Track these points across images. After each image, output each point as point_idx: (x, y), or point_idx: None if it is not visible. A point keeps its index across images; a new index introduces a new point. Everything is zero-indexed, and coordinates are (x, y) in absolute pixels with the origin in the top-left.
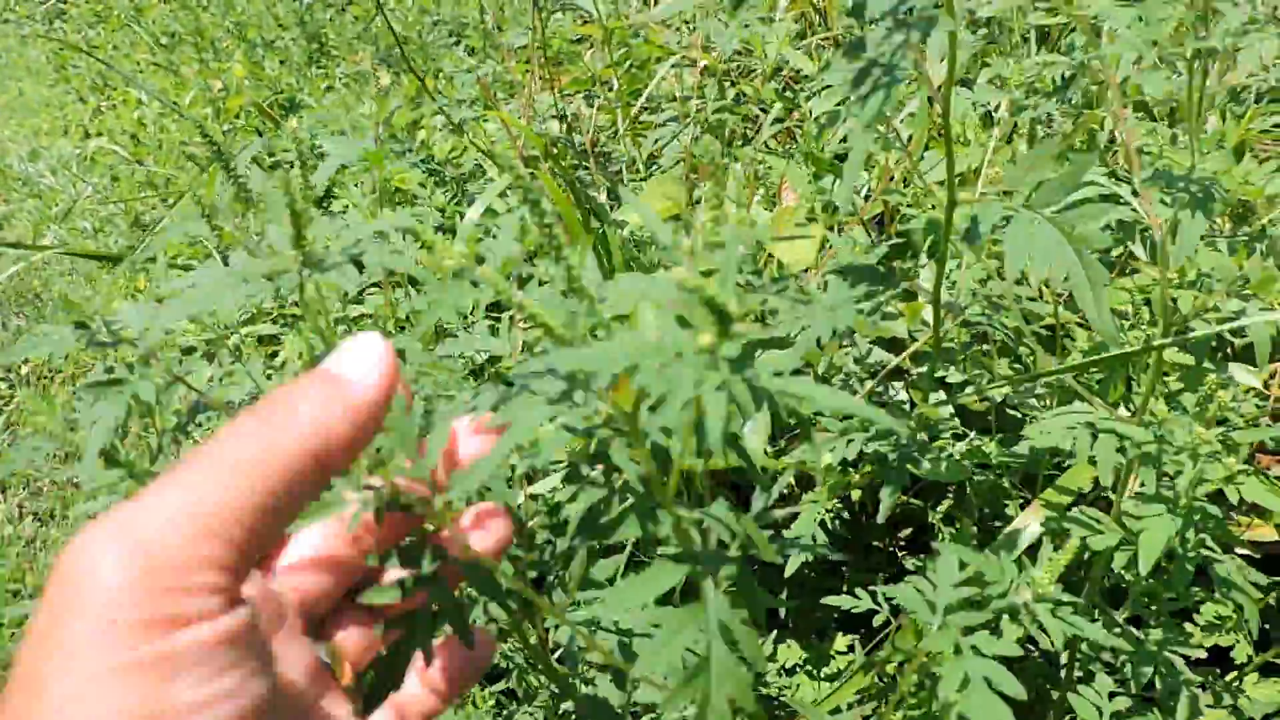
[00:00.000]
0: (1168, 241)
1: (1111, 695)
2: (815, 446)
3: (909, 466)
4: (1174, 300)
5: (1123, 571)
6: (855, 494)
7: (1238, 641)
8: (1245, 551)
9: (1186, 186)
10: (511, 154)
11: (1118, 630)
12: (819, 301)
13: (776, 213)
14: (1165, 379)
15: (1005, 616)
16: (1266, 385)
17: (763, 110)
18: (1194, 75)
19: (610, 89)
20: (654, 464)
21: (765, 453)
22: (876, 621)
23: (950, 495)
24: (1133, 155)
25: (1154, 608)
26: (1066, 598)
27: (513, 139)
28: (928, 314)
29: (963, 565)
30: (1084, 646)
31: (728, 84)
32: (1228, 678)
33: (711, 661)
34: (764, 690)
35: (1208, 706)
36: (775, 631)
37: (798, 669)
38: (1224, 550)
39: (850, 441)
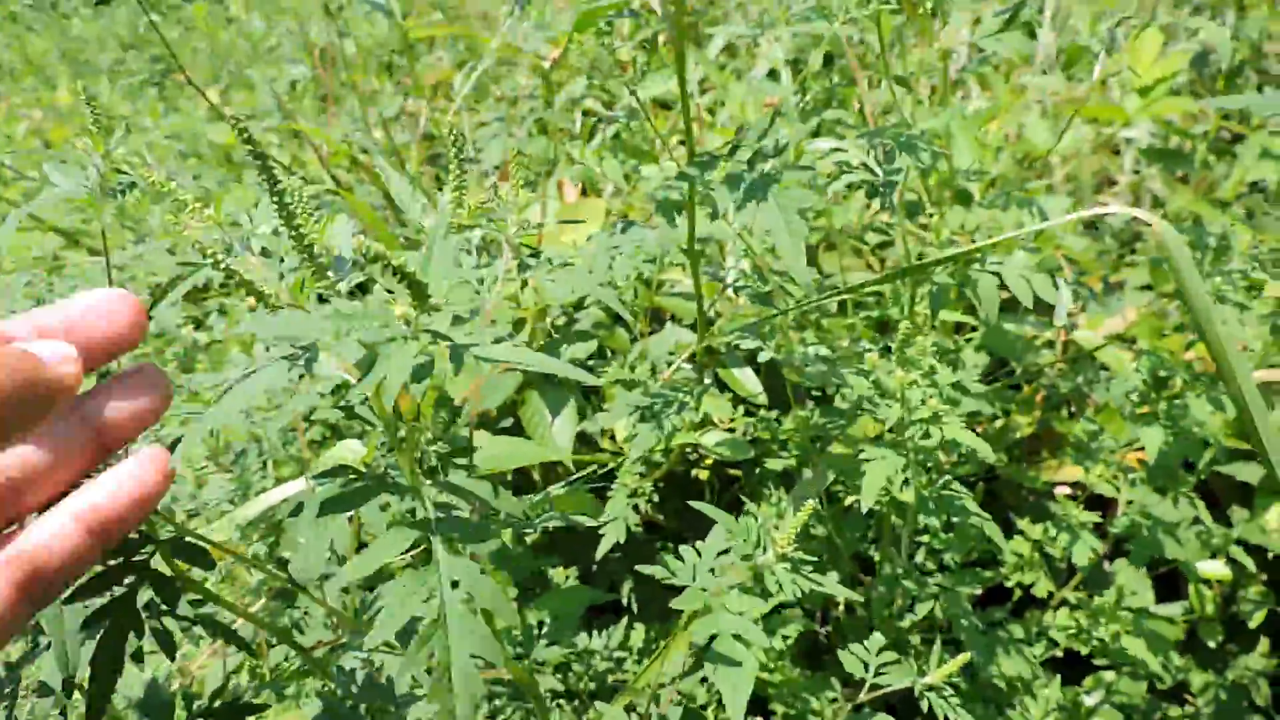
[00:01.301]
0: (900, 193)
1: (882, 649)
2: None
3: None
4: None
5: (930, 523)
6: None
7: (1038, 579)
8: (1068, 491)
9: (900, 138)
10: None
11: (897, 573)
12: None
13: (562, 206)
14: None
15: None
16: (1057, 344)
17: (606, 107)
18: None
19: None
20: (393, 427)
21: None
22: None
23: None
24: (870, 117)
25: (953, 556)
26: (806, 556)
27: (317, 150)
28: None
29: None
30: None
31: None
32: (1041, 614)
33: (449, 621)
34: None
35: (1020, 640)
36: (625, 618)
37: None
38: (1037, 494)
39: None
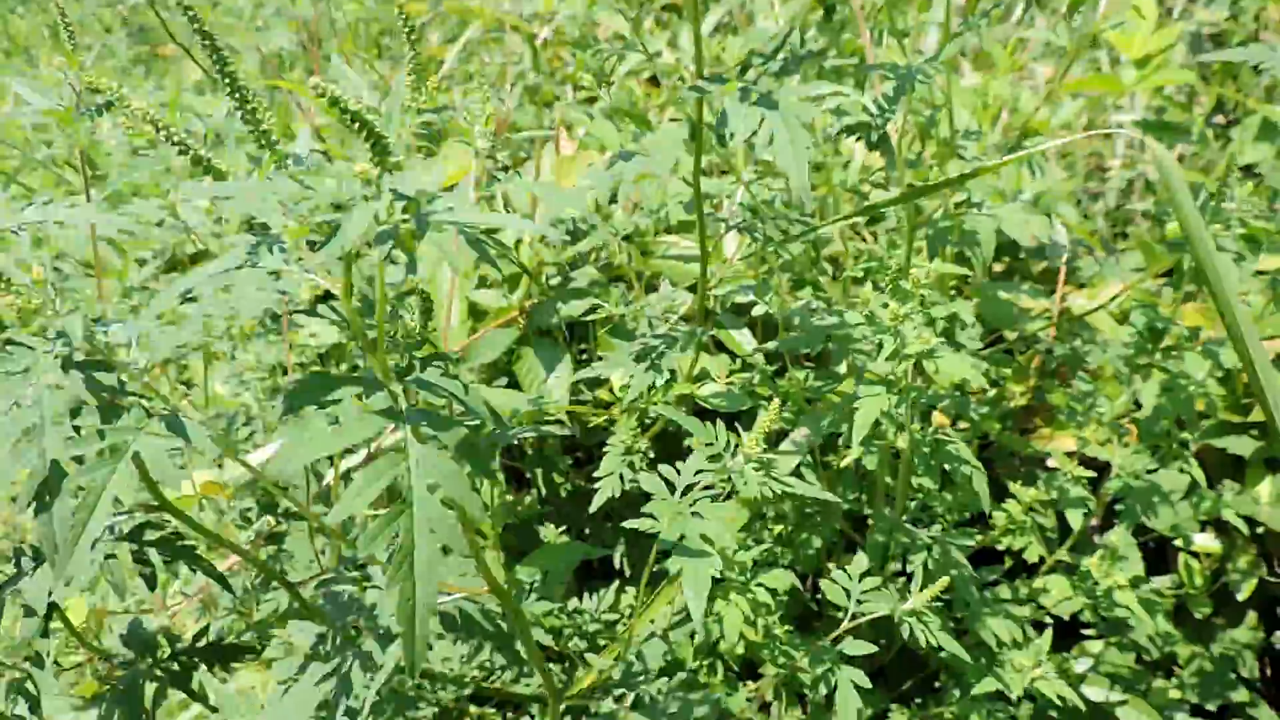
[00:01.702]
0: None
1: (864, 575)
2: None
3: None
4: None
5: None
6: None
7: (1030, 543)
8: (1071, 449)
9: (896, 71)
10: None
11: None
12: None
13: (557, 159)
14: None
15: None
16: (1054, 308)
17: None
18: None
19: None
20: (359, 318)
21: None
22: None
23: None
24: (869, 58)
25: (946, 515)
26: (774, 458)
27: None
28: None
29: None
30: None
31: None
32: (1031, 581)
33: (414, 504)
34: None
35: (1008, 600)
36: (616, 581)
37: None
38: (1029, 462)
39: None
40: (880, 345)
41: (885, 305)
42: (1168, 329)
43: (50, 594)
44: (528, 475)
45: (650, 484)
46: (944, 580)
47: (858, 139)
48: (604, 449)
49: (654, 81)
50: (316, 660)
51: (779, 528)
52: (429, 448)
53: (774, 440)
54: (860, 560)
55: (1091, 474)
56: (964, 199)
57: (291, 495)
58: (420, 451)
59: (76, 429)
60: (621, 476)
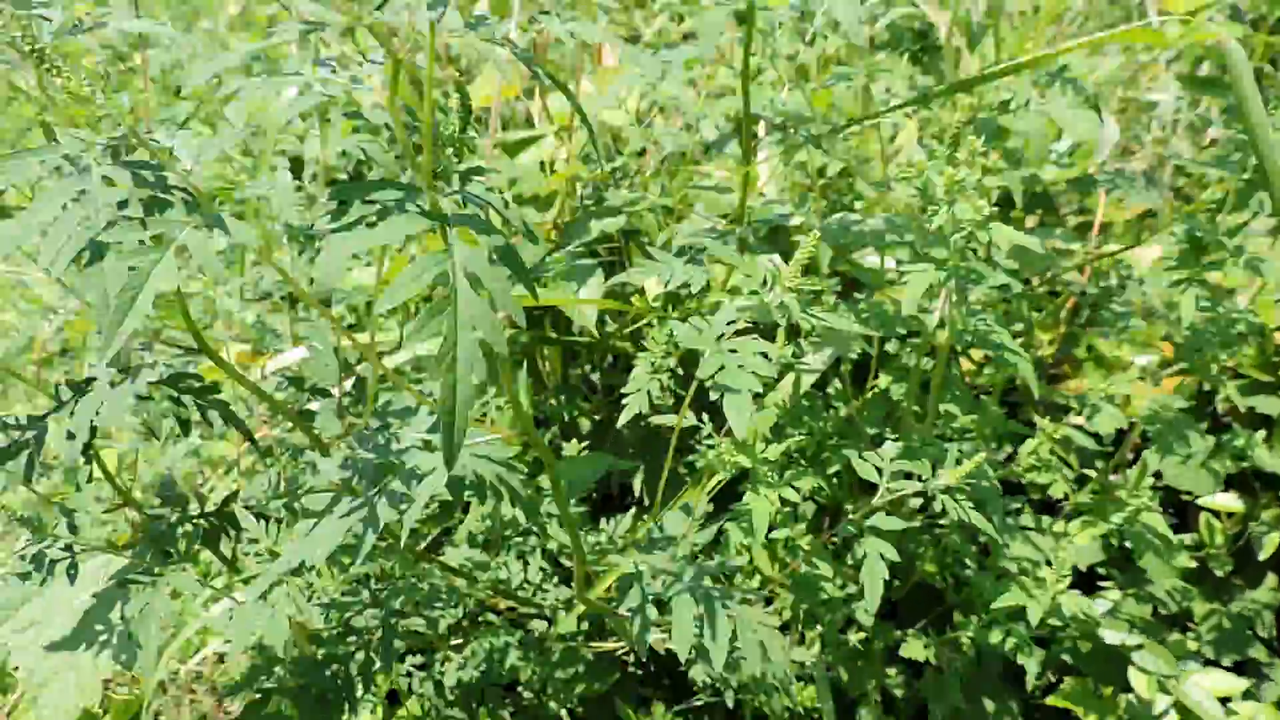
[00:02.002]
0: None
1: (894, 458)
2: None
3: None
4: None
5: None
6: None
7: (1055, 480)
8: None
9: None
10: None
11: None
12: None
13: (599, 71)
14: None
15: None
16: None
17: None
18: None
19: None
20: (402, 126)
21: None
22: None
23: None
24: None
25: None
26: (813, 288)
27: None
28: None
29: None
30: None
31: None
32: (1053, 524)
33: (457, 299)
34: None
35: (1031, 529)
36: (634, 508)
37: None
38: (1056, 408)
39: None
40: (932, 215)
41: (941, 172)
42: (1210, 241)
43: (93, 417)
44: (545, 413)
45: (685, 335)
46: (979, 457)
47: (902, 52)
48: (623, 394)
49: None
50: (345, 496)
51: (804, 440)
52: (473, 250)
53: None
54: (890, 447)
55: (1124, 389)
56: (1010, 99)
57: (319, 375)
58: (464, 252)
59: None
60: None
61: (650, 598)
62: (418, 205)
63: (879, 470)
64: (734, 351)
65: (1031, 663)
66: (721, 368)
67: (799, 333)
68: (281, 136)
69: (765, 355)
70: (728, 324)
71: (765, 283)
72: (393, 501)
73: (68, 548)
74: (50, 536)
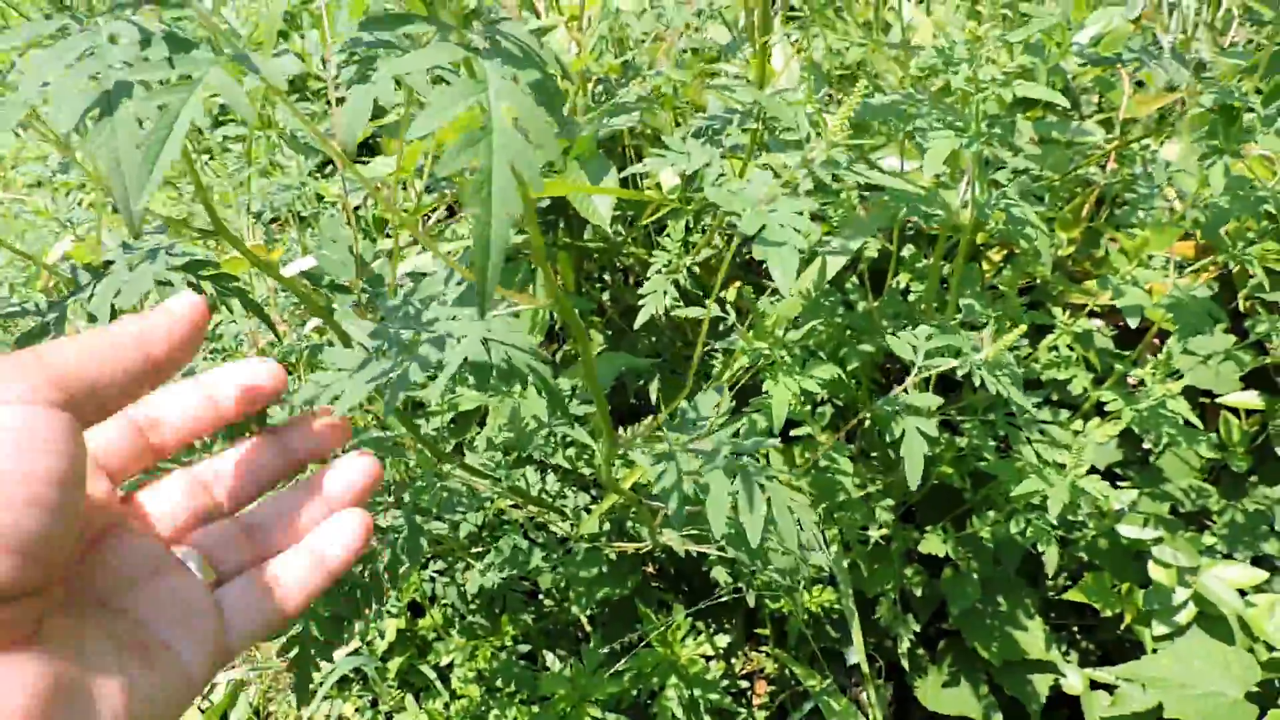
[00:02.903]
0: None
1: (929, 336)
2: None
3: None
4: None
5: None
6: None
7: (1075, 375)
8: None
9: None
10: None
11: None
12: None
13: None
14: None
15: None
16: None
17: None
18: None
19: None
20: None
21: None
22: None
23: None
24: None
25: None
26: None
27: None
28: (783, 80)
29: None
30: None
31: None
32: (1070, 421)
33: (493, 128)
34: None
35: (1051, 422)
36: (651, 416)
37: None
38: (1070, 308)
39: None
40: (955, 72)
41: (963, 27)
42: (1242, 112)
43: (114, 299)
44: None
45: (719, 196)
46: (1017, 330)
47: None
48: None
49: None
50: (375, 358)
51: (824, 333)
52: (508, 81)
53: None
54: (922, 329)
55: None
56: None
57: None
58: (499, 82)
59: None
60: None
61: (685, 474)
62: (450, 40)
63: (914, 348)
64: (774, 211)
65: (1052, 551)
66: (763, 226)
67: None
68: None
69: (802, 214)
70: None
71: (807, 139)
72: (424, 366)
73: None
74: None
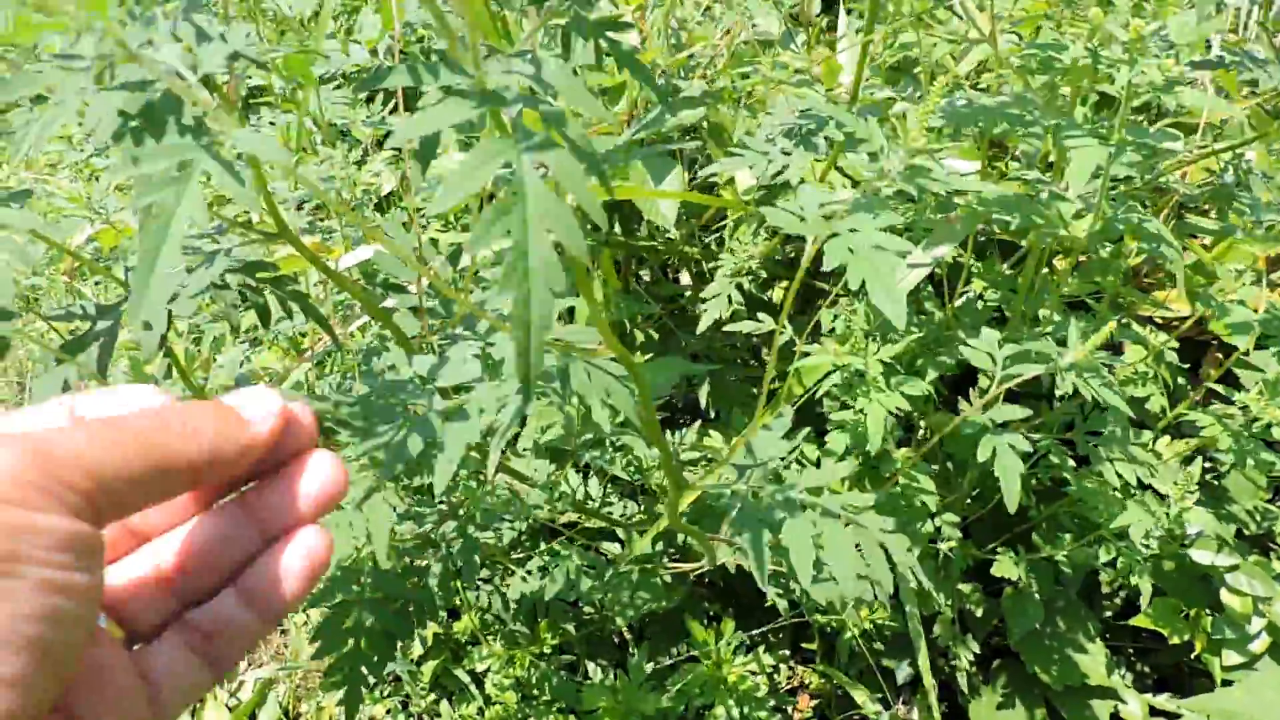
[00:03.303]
0: None
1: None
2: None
3: None
4: None
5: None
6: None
7: (1152, 394)
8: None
9: None
10: None
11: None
12: None
13: None
14: None
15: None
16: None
17: None
18: None
19: None
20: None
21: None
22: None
23: None
24: None
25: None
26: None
27: None
28: (845, 76)
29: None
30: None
31: None
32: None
33: (527, 194)
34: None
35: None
36: (699, 422)
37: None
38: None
39: (770, 160)
40: (1111, 71)
41: (1126, 24)
42: None
43: (170, 305)
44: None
45: (782, 219)
46: (1106, 329)
47: None
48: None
49: None
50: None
51: (910, 344)
52: (541, 134)
53: None
54: (990, 334)
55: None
56: None
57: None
58: (531, 136)
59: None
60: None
61: (760, 521)
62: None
63: (991, 356)
64: (854, 231)
65: (1145, 583)
66: (850, 251)
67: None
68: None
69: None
70: (834, 204)
71: (881, 150)
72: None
73: None
74: None
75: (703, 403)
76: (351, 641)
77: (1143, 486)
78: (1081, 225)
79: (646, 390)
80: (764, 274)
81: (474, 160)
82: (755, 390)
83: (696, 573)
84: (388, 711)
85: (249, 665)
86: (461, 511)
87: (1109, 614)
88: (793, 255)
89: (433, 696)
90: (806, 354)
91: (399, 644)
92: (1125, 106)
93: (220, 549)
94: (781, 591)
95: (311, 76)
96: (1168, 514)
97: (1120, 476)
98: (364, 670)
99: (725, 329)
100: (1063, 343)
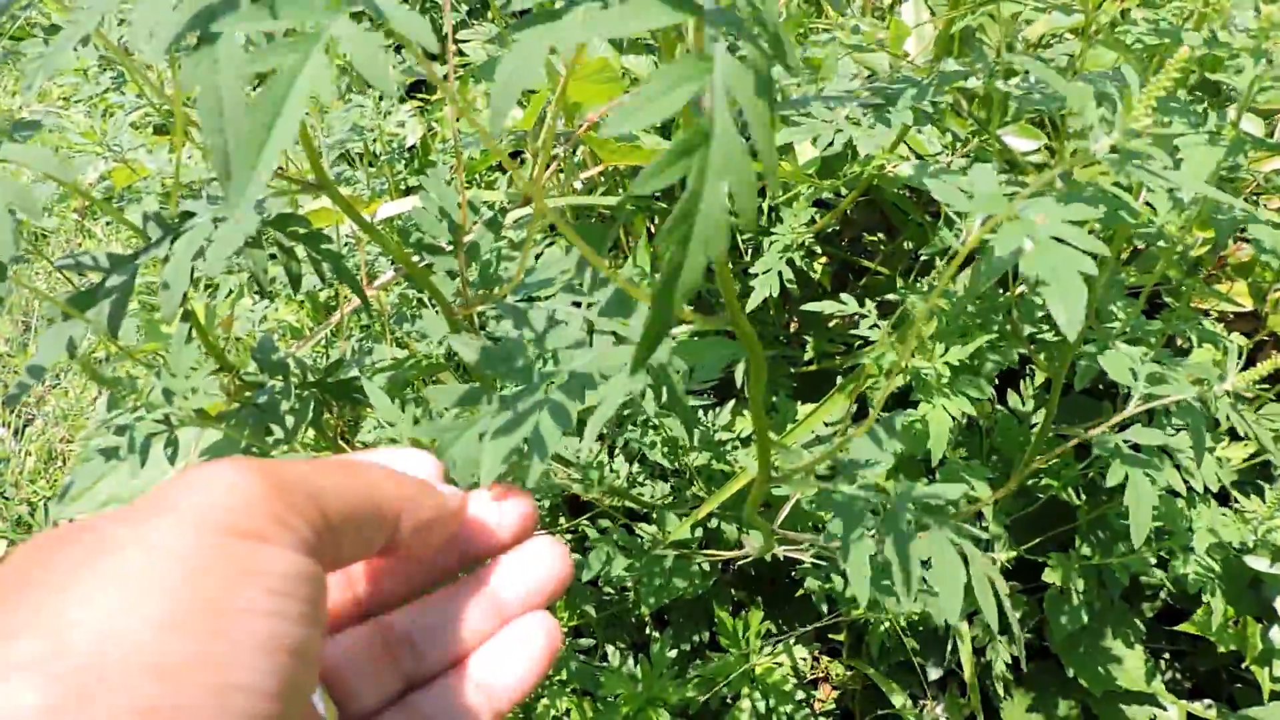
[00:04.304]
0: None
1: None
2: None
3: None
4: None
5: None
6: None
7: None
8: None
9: None
10: None
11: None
12: None
13: None
14: None
15: None
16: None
17: None
18: None
19: None
20: None
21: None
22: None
23: None
24: None
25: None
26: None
27: None
28: (910, 42)
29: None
30: None
31: None
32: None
33: (714, 135)
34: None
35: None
36: (733, 401)
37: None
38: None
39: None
40: (1241, 64)
41: (1256, 10)
42: None
43: (192, 262)
44: None
45: (942, 190)
46: (1246, 343)
47: None
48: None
49: None
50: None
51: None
52: (737, 66)
53: None
54: (1135, 349)
55: None
56: None
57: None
58: (729, 66)
59: None
60: (780, 276)
61: (864, 535)
62: None
63: (1133, 372)
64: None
65: (1218, 602)
66: (1021, 245)
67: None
68: None
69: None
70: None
71: (1091, 127)
72: (559, 418)
73: (165, 419)
74: (142, 404)
75: (739, 383)
76: None
77: (1208, 493)
78: (1178, 220)
79: (761, 370)
80: (818, 250)
81: (666, 79)
82: (792, 370)
83: (734, 561)
84: None
85: None
86: None
87: (1150, 615)
88: (832, 231)
89: None
90: (854, 341)
91: None
92: (1245, 102)
93: (451, 626)
94: (821, 583)
95: None
96: (1254, 529)
97: (1187, 484)
98: None
99: (803, 308)
100: (1136, 342)
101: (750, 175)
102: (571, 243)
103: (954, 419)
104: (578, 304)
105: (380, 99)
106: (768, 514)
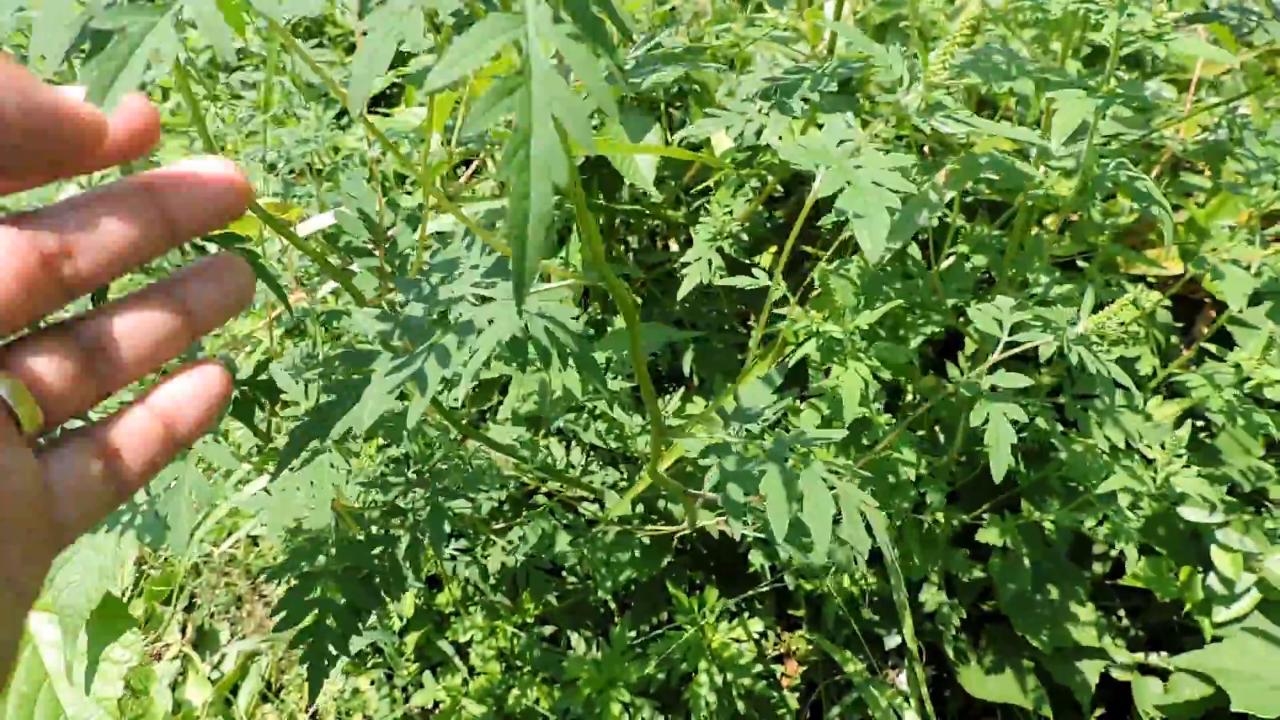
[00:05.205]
0: None
1: (1014, 309)
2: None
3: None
4: None
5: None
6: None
7: (1143, 354)
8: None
9: None
10: None
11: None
12: None
13: None
14: None
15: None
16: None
17: None
18: None
19: None
20: None
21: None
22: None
23: None
24: None
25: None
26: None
27: None
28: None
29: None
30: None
31: None
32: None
33: (532, 73)
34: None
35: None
36: (682, 389)
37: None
38: (1132, 279)
39: (748, 120)
40: (1099, 19)
41: None
42: None
43: None
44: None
45: (793, 152)
46: (1126, 298)
47: None
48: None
49: None
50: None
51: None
52: (547, 9)
53: None
54: (1004, 300)
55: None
56: None
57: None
58: (539, 12)
59: None
60: (710, 264)
61: (743, 471)
62: None
63: (999, 322)
64: (859, 167)
65: (1131, 550)
66: (846, 184)
67: None
68: None
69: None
70: (839, 144)
71: (901, 81)
72: (442, 359)
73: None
74: None
75: (686, 370)
76: (315, 614)
77: (1131, 449)
78: (1068, 183)
79: (638, 344)
80: (746, 238)
81: (479, 32)
82: (741, 357)
83: (678, 536)
84: (372, 683)
85: (232, 638)
86: (427, 473)
87: (1101, 573)
88: (782, 220)
89: (416, 667)
90: (780, 316)
91: (368, 616)
92: (1114, 55)
93: (142, 331)
94: (767, 558)
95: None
96: (1154, 478)
97: (1109, 440)
98: (328, 644)
99: (715, 286)
100: (1048, 303)
101: (575, 104)
102: (463, 222)
103: (881, 383)
104: (478, 284)
105: (326, 109)
106: (680, 475)
